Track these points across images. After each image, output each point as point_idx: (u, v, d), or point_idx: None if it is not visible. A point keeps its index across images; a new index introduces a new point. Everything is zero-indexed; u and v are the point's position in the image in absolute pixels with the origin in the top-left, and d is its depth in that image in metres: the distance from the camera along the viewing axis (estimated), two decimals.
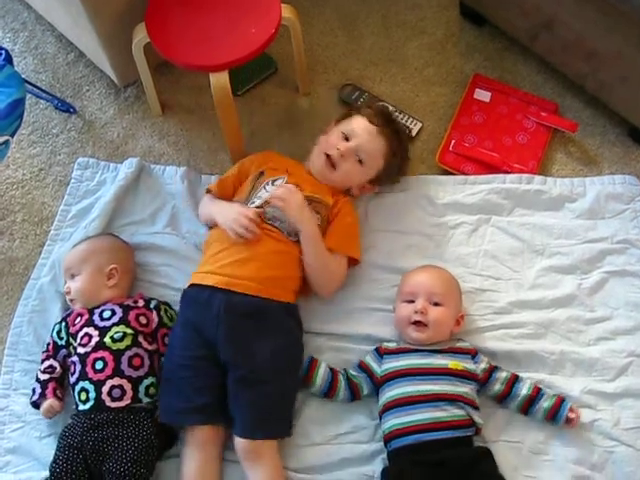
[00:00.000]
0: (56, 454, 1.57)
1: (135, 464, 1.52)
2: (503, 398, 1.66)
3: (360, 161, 1.84)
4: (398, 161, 1.91)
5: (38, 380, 1.70)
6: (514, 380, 1.66)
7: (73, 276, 1.77)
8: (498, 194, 1.96)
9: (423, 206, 1.96)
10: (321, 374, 1.67)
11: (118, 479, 1.51)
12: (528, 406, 1.64)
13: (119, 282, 1.77)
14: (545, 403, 1.63)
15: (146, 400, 1.63)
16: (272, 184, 1.81)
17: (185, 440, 1.61)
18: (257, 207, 1.77)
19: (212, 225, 1.86)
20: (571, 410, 1.62)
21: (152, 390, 1.65)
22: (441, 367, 1.63)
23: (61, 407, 1.67)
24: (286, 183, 1.80)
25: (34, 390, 1.69)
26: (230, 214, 1.75)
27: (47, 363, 1.72)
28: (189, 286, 1.74)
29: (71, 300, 1.77)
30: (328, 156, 1.82)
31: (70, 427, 1.60)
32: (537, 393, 1.64)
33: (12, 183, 2.11)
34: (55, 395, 1.67)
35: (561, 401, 1.64)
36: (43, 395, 1.67)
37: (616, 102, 2.07)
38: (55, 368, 1.71)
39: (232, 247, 1.72)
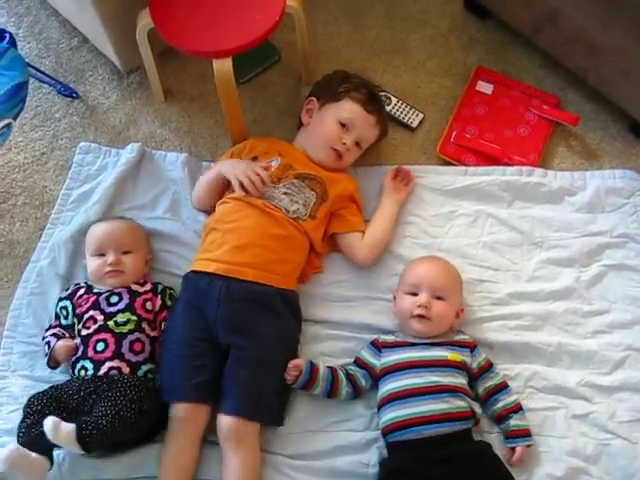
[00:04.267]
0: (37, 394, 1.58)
1: (114, 414, 1.50)
2: (484, 400, 1.65)
3: (359, 145, 1.91)
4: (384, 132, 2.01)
5: (45, 339, 1.69)
6: (501, 388, 1.64)
7: (127, 252, 1.76)
8: (498, 186, 1.96)
9: (423, 196, 1.96)
10: (323, 375, 1.64)
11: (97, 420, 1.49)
12: (502, 418, 1.62)
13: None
14: (516, 422, 1.60)
15: None
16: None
17: (171, 416, 1.60)
18: None
19: (209, 209, 1.88)
20: (522, 448, 1.58)
21: (150, 376, 1.65)
22: (441, 359, 1.62)
23: (72, 349, 1.65)
24: (280, 164, 1.83)
25: (46, 347, 1.67)
26: (240, 165, 1.83)
27: (54, 331, 1.70)
28: (190, 271, 1.75)
29: (113, 272, 1.73)
30: (335, 149, 1.86)
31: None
32: (518, 409, 1.62)
33: (14, 166, 2.12)
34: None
35: (528, 432, 1.60)
36: (54, 345, 1.65)
37: (618, 96, 2.08)
38: (64, 335, 1.70)
39: (231, 233, 1.73)
